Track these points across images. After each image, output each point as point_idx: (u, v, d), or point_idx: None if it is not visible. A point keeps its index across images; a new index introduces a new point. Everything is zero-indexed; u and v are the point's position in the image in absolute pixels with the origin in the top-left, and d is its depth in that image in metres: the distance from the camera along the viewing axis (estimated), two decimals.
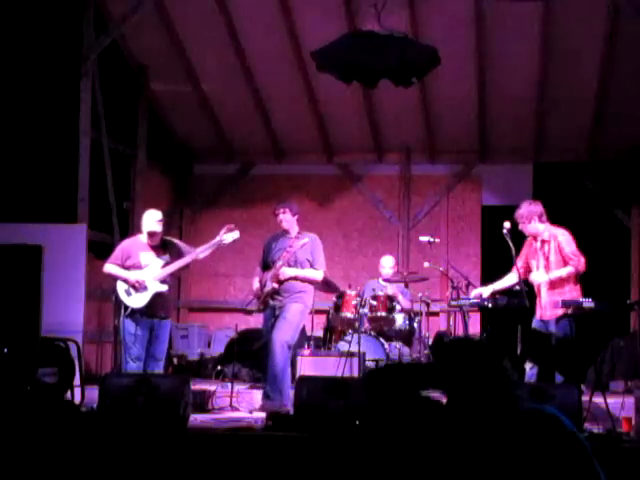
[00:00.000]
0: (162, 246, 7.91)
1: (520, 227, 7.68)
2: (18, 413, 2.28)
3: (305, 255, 7.94)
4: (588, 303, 7.26)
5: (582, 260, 7.60)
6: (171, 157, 12.56)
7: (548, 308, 7.58)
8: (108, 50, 10.00)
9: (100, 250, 8.09)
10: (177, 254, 7.90)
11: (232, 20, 10.28)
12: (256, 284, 8.04)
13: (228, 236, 7.93)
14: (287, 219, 8.03)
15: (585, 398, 6.72)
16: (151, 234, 7.84)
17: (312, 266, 7.96)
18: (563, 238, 7.65)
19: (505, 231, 7.55)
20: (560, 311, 7.48)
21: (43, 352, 7.55)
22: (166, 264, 7.81)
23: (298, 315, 7.88)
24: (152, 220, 7.84)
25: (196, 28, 10.41)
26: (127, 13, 9.69)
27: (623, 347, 9.30)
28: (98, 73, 9.97)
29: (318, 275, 7.99)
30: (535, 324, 7.64)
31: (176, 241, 8.16)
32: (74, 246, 9.21)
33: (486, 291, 7.86)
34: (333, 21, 9.71)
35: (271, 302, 7.91)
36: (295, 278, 7.90)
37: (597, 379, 7.74)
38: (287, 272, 7.86)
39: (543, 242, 7.69)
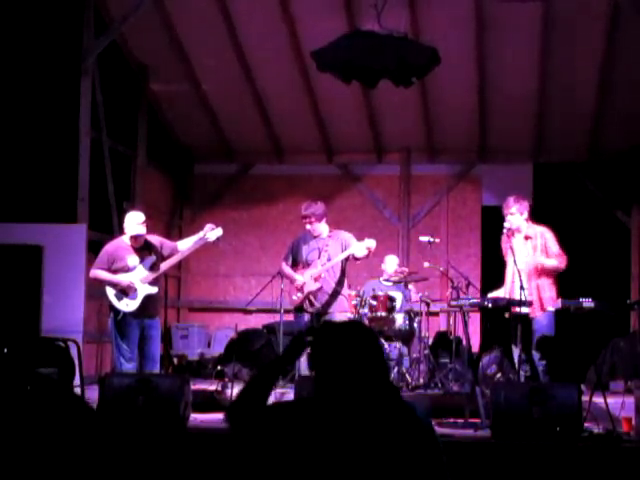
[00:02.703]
0: (146, 247, 7.83)
1: (507, 219, 7.68)
2: (18, 412, 2.29)
3: (339, 251, 8.04)
4: (588, 303, 7.26)
5: (565, 259, 7.65)
6: (171, 157, 12.56)
7: (537, 306, 7.58)
8: (108, 50, 10.00)
9: (100, 250, 8.07)
10: (160, 254, 7.85)
11: (232, 20, 10.28)
12: (298, 277, 8.07)
13: (212, 234, 7.90)
14: (315, 227, 8.10)
15: (585, 398, 6.72)
16: (135, 237, 7.74)
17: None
18: (550, 236, 7.70)
19: (505, 231, 7.56)
20: (549, 307, 7.51)
21: (43, 352, 7.55)
22: (153, 265, 7.76)
23: None
24: (135, 223, 7.71)
25: (196, 28, 10.41)
26: (127, 13, 9.69)
27: (623, 347, 9.30)
28: (98, 73, 9.97)
29: (357, 247, 7.98)
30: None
31: (156, 241, 8.01)
32: (74, 246, 9.21)
33: (502, 293, 7.84)
34: (333, 21, 9.70)
35: (310, 308, 7.95)
36: (340, 280, 7.98)
37: (597, 379, 7.73)
38: (331, 279, 7.97)
39: (527, 238, 7.70)
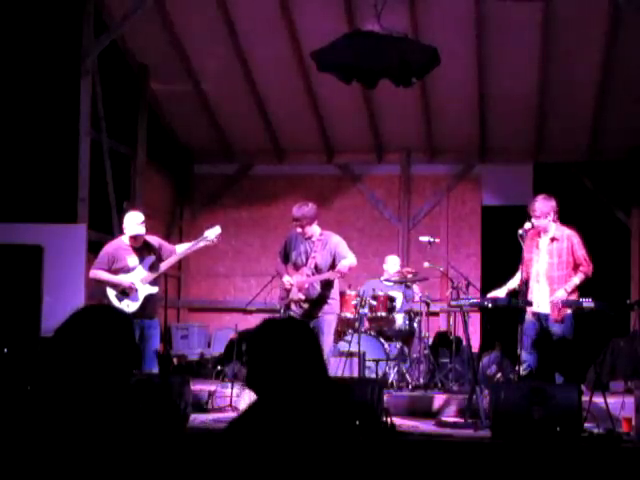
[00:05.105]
0: (145, 247, 7.83)
1: (533, 220, 7.62)
2: (18, 413, 2.29)
3: (327, 258, 7.86)
4: (588, 303, 7.25)
5: (591, 265, 7.61)
6: (171, 157, 12.56)
7: (555, 308, 7.56)
8: (108, 50, 9.99)
9: (100, 250, 8.08)
10: (159, 255, 7.85)
11: (232, 20, 10.28)
12: (287, 278, 7.91)
13: (210, 233, 7.88)
14: (307, 230, 7.82)
15: (585, 398, 6.72)
16: (135, 237, 7.75)
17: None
18: (577, 240, 7.65)
19: (521, 232, 7.50)
20: (566, 311, 7.48)
21: (43, 352, 7.54)
22: (152, 265, 7.77)
23: (333, 325, 7.89)
24: (135, 223, 7.73)
25: (196, 28, 10.41)
26: (127, 13, 9.68)
27: (623, 347, 9.30)
28: (98, 73, 9.96)
29: (349, 262, 7.82)
30: (529, 319, 7.62)
31: (155, 241, 8.01)
32: (74, 246, 9.20)
33: (501, 293, 7.83)
34: (333, 21, 9.71)
35: (297, 310, 7.85)
36: (327, 283, 7.86)
37: (597, 379, 7.73)
38: (317, 283, 7.84)
39: (553, 239, 7.66)
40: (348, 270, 7.82)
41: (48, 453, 2.34)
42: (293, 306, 7.89)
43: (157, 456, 2.47)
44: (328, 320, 7.74)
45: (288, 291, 7.90)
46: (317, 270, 7.81)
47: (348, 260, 7.76)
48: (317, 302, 7.80)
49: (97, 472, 2.34)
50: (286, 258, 8.08)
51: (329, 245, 7.83)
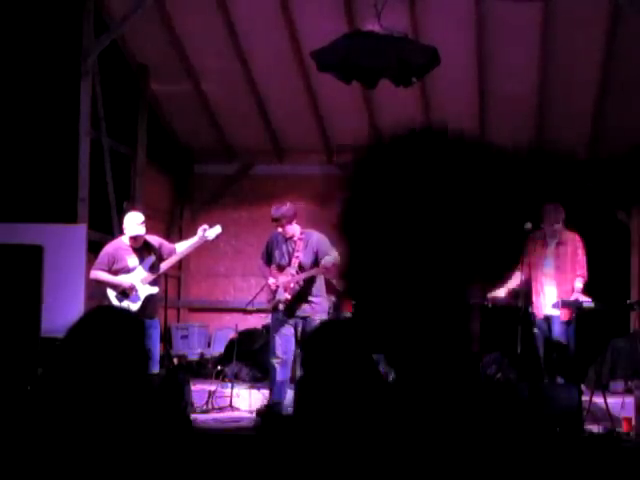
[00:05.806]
0: (145, 247, 7.84)
1: (544, 225, 7.69)
2: (18, 414, 2.29)
3: (310, 256, 7.89)
4: (588, 303, 7.28)
5: (587, 273, 7.74)
6: (171, 157, 12.55)
7: (565, 310, 7.61)
8: (108, 50, 9.99)
9: (100, 250, 8.08)
10: (159, 254, 7.85)
11: (232, 20, 10.28)
12: (272, 280, 7.93)
13: (211, 232, 7.87)
14: (287, 230, 7.91)
15: (585, 398, 6.72)
16: (135, 237, 7.76)
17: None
18: (581, 245, 7.80)
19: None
20: (573, 315, 7.52)
21: (43, 352, 7.55)
22: (153, 265, 7.77)
23: None
24: (135, 223, 7.74)
25: (196, 28, 10.41)
26: (127, 13, 9.68)
27: (623, 347, 9.30)
28: (98, 73, 9.96)
29: (332, 258, 7.82)
30: (538, 325, 7.65)
31: (155, 241, 8.03)
32: (74, 246, 9.20)
33: (501, 293, 7.86)
34: (333, 21, 9.70)
35: (282, 310, 7.85)
36: (312, 281, 7.85)
37: (597, 379, 7.74)
38: (302, 281, 7.83)
39: (559, 244, 7.74)
40: (332, 266, 7.84)
41: (52, 453, 2.34)
42: (280, 306, 7.90)
43: (164, 457, 2.46)
44: (321, 319, 7.75)
45: (274, 292, 7.92)
46: (301, 269, 7.86)
47: (332, 256, 7.78)
48: (300, 298, 7.83)
49: (102, 473, 2.34)
50: (269, 260, 8.11)
51: (311, 243, 7.88)
